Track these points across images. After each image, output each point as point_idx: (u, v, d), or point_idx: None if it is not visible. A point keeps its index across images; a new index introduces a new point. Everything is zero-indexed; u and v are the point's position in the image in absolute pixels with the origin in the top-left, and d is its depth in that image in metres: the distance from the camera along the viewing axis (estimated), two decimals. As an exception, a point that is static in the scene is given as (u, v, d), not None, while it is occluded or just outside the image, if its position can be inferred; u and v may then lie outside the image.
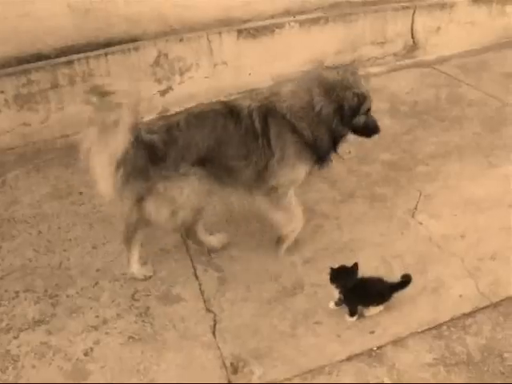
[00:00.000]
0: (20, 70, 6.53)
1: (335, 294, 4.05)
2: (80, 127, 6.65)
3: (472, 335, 3.83)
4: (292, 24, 7.44)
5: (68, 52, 6.79)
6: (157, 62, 6.95)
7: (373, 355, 3.76)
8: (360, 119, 4.45)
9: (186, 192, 4.30)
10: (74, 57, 6.73)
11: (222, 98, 4.71)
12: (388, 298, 4.03)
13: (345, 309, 4.04)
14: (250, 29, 7.27)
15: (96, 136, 4.13)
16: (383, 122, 5.17)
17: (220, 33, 7.15)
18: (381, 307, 4.03)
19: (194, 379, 3.74)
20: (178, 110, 6.87)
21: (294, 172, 4.51)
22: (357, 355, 3.77)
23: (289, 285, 4.38)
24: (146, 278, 4.60)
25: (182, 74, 7.07)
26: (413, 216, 5.00)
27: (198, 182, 4.32)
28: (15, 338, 4.13)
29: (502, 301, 4.06)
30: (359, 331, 3.94)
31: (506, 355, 3.67)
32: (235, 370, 3.75)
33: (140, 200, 4.31)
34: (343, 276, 4.00)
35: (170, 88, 7.09)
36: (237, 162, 4.41)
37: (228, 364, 3.80)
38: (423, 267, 4.40)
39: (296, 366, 3.74)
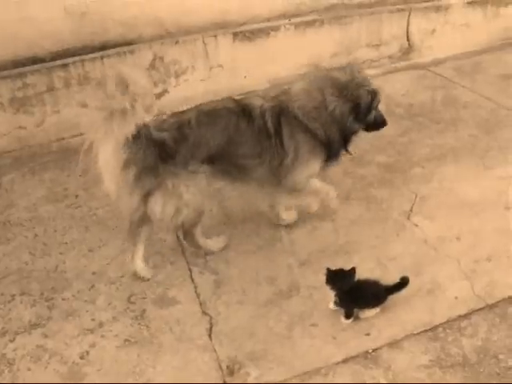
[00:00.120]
0: (16, 74, 6.55)
1: (332, 294, 4.05)
2: (76, 130, 6.75)
3: (467, 337, 3.82)
4: (287, 27, 7.46)
5: (64, 55, 6.81)
6: (152, 65, 6.97)
7: (368, 357, 3.75)
8: (372, 115, 4.67)
9: (192, 189, 4.37)
10: (70, 60, 6.75)
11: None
12: (383, 300, 4.04)
13: (341, 311, 4.03)
14: (246, 32, 7.28)
15: (102, 122, 4.17)
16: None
17: (216, 36, 7.17)
18: (377, 309, 4.03)
19: (190, 382, 3.73)
20: (174, 112, 6.98)
21: (308, 169, 4.68)
22: (353, 357, 3.76)
23: (285, 287, 4.38)
24: (145, 280, 4.59)
25: (177, 76, 7.08)
26: (408, 218, 5.00)
27: (205, 180, 4.42)
28: (11, 341, 4.13)
29: (497, 302, 4.06)
30: (355, 333, 3.93)
31: (501, 357, 3.67)
32: (231, 373, 3.75)
33: (147, 195, 4.35)
34: (339, 278, 4.00)
35: (165, 91, 7.10)
36: (249, 160, 4.53)
37: (224, 366, 3.79)
38: (419, 269, 4.40)
39: (292, 367, 3.73)
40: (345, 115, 4.56)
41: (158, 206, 4.36)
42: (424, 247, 4.65)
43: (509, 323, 3.88)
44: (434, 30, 8.23)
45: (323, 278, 4.03)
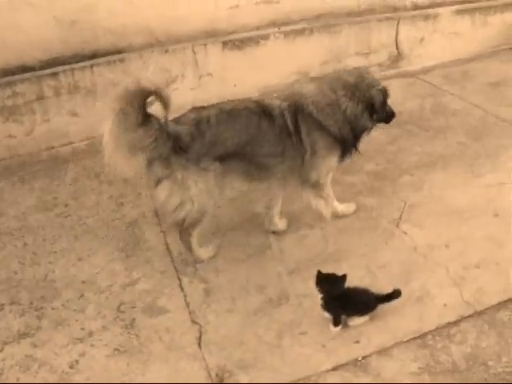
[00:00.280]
0: (5, 82, 6.52)
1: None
2: (66, 139, 6.74)
3: (457, 344, 3.83)
4: (277, 35, 7.48)
5: (53, 64, 6.79)
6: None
7: (358, 365, 3.75)
8: (387, 108, 4.91)
9: (200, 185, 4.44)
10: (60, 68, 6.73)
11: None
12: (372, 309, 4.04)
13: (330, 319, 4.03)
14: (235, 40, 7.30)
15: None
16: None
17: (205, 44, 7.18)
18: (365, 318, 4.04)
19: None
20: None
21: (326, 163, 4.85)
22: (342, 365, 3.76)
23: (274, 296, 4.38)
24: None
25: (167, 85, 7.06)
26: (397, 226, 5.02)
27: (214, 179, 4.48)
28: (0, 351, 4.11)
29: (486, 309, 4.07)
30: (344, 341, 3.94)
31: (490, 363, 3.67)
32: (221, 381, 3.74)
33: (156, 184, 4.47)
34: (330, 283, 3.99)
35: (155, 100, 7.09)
36: (272, 158, 4.65)
37: (213, 375, 3.78)
38: (408, 277, 4.41)
39: (281, 376, 3.73)
40: (358, 115, 4.76)
41: (162, 194, 4.46)
42: (413, 255, 4.66)
43: (498, 330, 3.90)
44: (422, 39, 8.28)
45: (313, 285, 4.03)
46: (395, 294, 4.02)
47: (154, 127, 4.25)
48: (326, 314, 4.04)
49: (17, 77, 6.61)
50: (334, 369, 3.74)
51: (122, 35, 7.01)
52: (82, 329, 4.25)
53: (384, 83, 4.91)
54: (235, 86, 7.20)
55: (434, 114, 6.88)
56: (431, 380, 3.61)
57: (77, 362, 3.98)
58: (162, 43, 7.18)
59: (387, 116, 4.97)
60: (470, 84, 7.64)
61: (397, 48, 8.15)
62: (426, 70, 8.12)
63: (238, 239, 5.05)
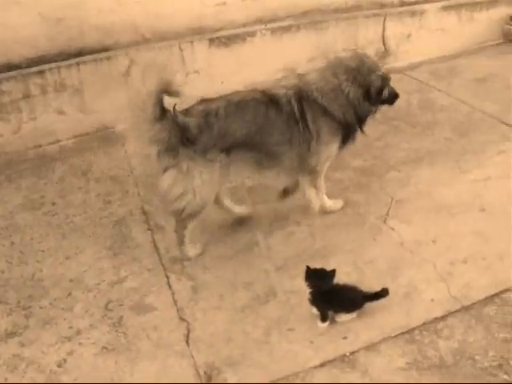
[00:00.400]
0: (-10, 80, 6.51)
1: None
2: (53, 137, 6.72)
3: (444, 339, 3.84)
4: (264, 32, 7.48)
5: (39, 62, 6.78)
6: (129, 72, 6.93)
7: (346, 361, 3.76)
8: (385, 92, 4.95)
9: (205, 176, 4.52)
10: (46, 66, 6.73)
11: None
12: (360, 306, 4.04)
13: (317, 314, 4.04)
14: (222, 37, 7.30)
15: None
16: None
17: (192, 41, 7.17)
18: (353, 315, 4.04)
19: (168, 388, 3.73)
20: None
21: (328, 149, 4.94)
22: (330, 361, 3.76)
23: (261, 292, 4.38)
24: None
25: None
26: (385, 222, 5.02)
27: (219, 170, 4.56)
28: (-13, 350, 4.10)
29: (473, 304, 4.07)
30: (332, 337, 3.94)
31: (477, 357, 3.68)
32: (209, 378, 3.74)
33: (163, 172, 4.57)
34: (319, 277, 4.00)
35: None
36: (281, 146, 4.74)
37: (202, 372, 3.78)
38: (395, 272, 4.42)
39: (269, 372, 3.73)
40: (359, 99, 4.84)
41: (166, 182, 4.56)
42: (400, 250, 4.66)
43: (485, 324, 3.90)
44: (409, 35, 8.29)
45: (300, 282, 4.04)
46: (383, 293, 4.03)
47: (168, 121, 4.37)
48: (314, 310, 4.05)
49: (2, 75, 6.60)
50: (322, 365, 3.74)
51: (108, 32, 7.00)
52: (70, 327, 4.25)
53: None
54: (222, 83, 7.18)
55: (421, 109, 6.89)
56: (419, 375, 3.61)
57: (65, 360, 3.98)
58: (149, 40, 7.17)
59: (389, 98, 5.04)
60: (456, 80, 7.66)
61: (384, 44, 8.16)
62: (413, 66, 8.13)
63: (225, 236, 5.05)
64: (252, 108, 4.62)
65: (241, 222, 5.18)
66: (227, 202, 5.13)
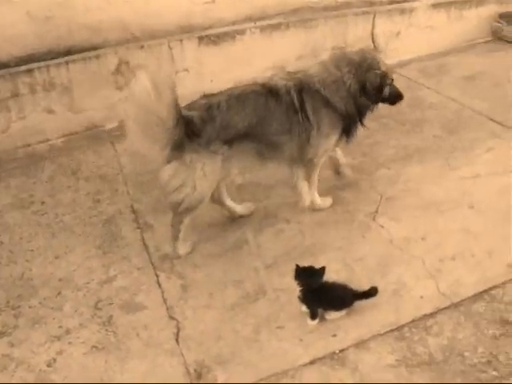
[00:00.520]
0: (-21, 79, 6.48)
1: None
2: (42, 136, 6.70)
3: (433, 336, 3.86)
4: (253, 30, 7.47)
5: (28, 60, 6.76)
6: (118, 70, 6.94)
7: (335, 358, 3.77)
8: (386, 91, 5.00)
9: (207, 168, 4.56)
10: (35, 65, 6.70)
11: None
12: (349, 304, 4.06)
13: (307, 312, 4.05)
14: (211, 35, 7.28)
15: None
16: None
17: (181, 40, 7.16)
18: (342, 313, 4.05)
19: (158, 386, 3.74)
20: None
21: (327, 141, 5.00)
22: (320, 359, 3.77)
23: (251, 290, 4.38)
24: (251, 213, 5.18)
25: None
26: (374, 219, 5.03)
27: (220, 162, 4.61)
28: (-23, 350, 4.09)
29: (462, 301, 4.10)
30: (321, 335, 3.95)
31: (466, 354, 3.70)
32: (199, 376, 3.75)
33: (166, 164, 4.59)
34: (308, 275, 4.01)
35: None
36: (280, 136, 4.79)
37: (192, 370, 3.78)
38: (384, 269, 4.43)
39: (259, 370, 3.74)
40: (357, 93, 4.90)
41: (166, 173, 4.57)
42: (389, 248, 4.68)
43: (473, 321, 3.93)
44: (398, 33, 8.30)
45: (290, 280, 4.05)
46: (372, 292, 4.04)
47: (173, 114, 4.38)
48: (304, 308, 4.06)
49: (-10, 74, 6.57)
50: (312, 362, 3.76)
51: (97, 31, 6.99)
52: (60, 327, 4.24)
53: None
54: (212, 81, 7.18)
55: (410, 107, 6.88)
56: (408, 372, 3.63)
57: (54, 360, 3.97)
58: (138, 38, 7.16)
59: (391, 97, 5.08)
60: (445, 77, 7.68)
61: (373, 42, 8.15)
62: (403, 64, 8.13)
63: (214, 234, 5.05)
64: (252, 100, 4.69)
65: (233, 220, 5.20)
66: (228, 201, 5.16)
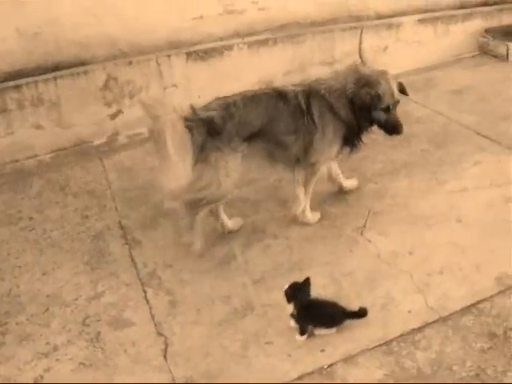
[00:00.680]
0: (-33, 95, 6.47)
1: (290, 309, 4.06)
2: (30, 152, 6.69)
3: (422, 350, 3.85)
4: (241, 46, 7.49)
5: (16, 76, 6.75)
6: (106, 86, 6.94)
7: (324, 373, 3.76)
8: (379, 115, 4.99)
9: (230, 165, 4.72)
10: (23, 81, 6.69)
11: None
12: (339, 322, 4.05)
13: (296, 328, 4.04)
14: (199, 51, 7.29)
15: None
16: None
17: (169, 55, 7.17)
18: (332, 330, 4.04)
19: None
20: (129, 133, 7.00)
21: (330, 149, 5.09)
22: (308, 374, 3.77)
23: (239, 306, 4.37)
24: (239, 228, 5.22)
25: (131, 97, 7.06)
26: (361, 234, 5.04)
27: (241, 159, 4.77)
28: (-37, 368, 4.05)
29: (450, 314, 4.10)
30: (310, 350, 3.94)
31: (455, 368, 3.70)
32: (187, 393, 3.74)
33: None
34: (297, 291, 4.02)
35: (120, 111, 7.08)
36: (287, 136, 4.92)
37: (179, 387, 3.78)
38: (372, 284, 4.43)
39: (247, 386, 3.73)
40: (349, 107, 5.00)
41: (195, 175, 4.62)
42: (377, 262, 4.68)
43: (462, 335, 3.93)
44: (386, 47, 8.34)
45: (278, 295, 4.06)
46: (362, 313, 4.05)
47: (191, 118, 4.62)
48: (292, 323, 4.05)
49: (-21, 89, 6.56)
50: (300, 377, 3.75)
51: (85, 47, 6.99)
52: (47, 343, 4.22)
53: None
54: (199, 97, 7.16)
55: (397, 121, 6.92)
56: (397, 387, 3.64)
57: (41, 377, 3.96)
58: (126, 54, 7.17)
59: (387, 125, 5.07)
60: (433, 92, 7.71)
61: (360, 57, 8.18)
62: (390, 79, 8.16)
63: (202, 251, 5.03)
64: (264, 101, 4.86)
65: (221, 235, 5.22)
66: (223, 214, 5.19)
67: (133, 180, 6.15)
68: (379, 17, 8.45)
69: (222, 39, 7.56)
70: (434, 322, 4.06)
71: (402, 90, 5.17)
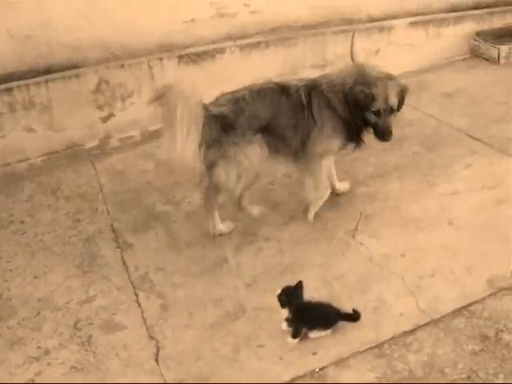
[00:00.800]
0: (-42, 99, 6.46)
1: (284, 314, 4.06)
2: (22, 155, 6.68)
3: (413, 352, 3.86)
4: (233, 49, 7.50)
5: (8, 79, 6.73)
6: (98, 89, 6.93)
7: (315, 376, 3.76)
8: (369, 116, 4.99)
9: (250, 156, 4.88)
10: (14, 84, 6.67)
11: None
12: (334, 323, 4.05)
13: (288, 331, 4.04)
14: (191, 54, 7.29)
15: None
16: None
17: (161, 58, 7.17)
18: (327, 332, 4.04)
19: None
20: (121, 136, 6.99)
21: (328, 143, 5.12)
22: (300, 377, 3.76)
23: (231, 309, 4.37)
24: (231, 231, 5.23)
25: (123, 100, 7.06)
26: (353, 237, 5.04)
27: (259, 148, 4.93)
28: (-47, 373, 4.03)
29: (442, 317, 4.10)
30: (301, 353, 3.94)
31: (446, 370, 3.70)
32: (178, 397, 3.74)
33: (211, 166, 4.89)
34: (291, 297, 4.01)
35: (111, 114, 7.07)
36: (288, 130, 5.01)
37: (171, 389, 3.77)
38: (364, 287, 4.43)
39: (239, 389, 3.72)
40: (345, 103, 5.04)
41: (223, 174, 4.89)
42: (369, 265, 4.68)
43: (453, 337, 3.93)
44: (378, 50, 8.35)
45: (269, 299, 4.06)
46: (355, 316, 4.06)
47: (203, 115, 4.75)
48: (284, 326, 4.06)
49: (-30, 93, 6.54)
50: (292, 381, 3.75)
51: (77, 50, 6.98)
52: (39, 347, 4.21)
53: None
54: (191, 99, 7.19)
55: (389, 124, 6.93)
56: (388, 389, 3.64)
57: (33, 381, 3.94)
58: (118, 57, 7.16)
59: (376, 128, 5.03)
60: (424, 95, 7.72)
61: (352, 60, 8.19)
62: (382, 81, 8.17)
63: (194, 253, 5.03)
64: (269, 95, 4.97)
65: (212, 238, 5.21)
66: (216, 216, 5.22)
67: (124, 183, 6.14)
68: (371, 20, 8.47)
69: (214, 42, 7.57)
70: (425, 324, 4.07)
71: (401, 99, 5.12)
